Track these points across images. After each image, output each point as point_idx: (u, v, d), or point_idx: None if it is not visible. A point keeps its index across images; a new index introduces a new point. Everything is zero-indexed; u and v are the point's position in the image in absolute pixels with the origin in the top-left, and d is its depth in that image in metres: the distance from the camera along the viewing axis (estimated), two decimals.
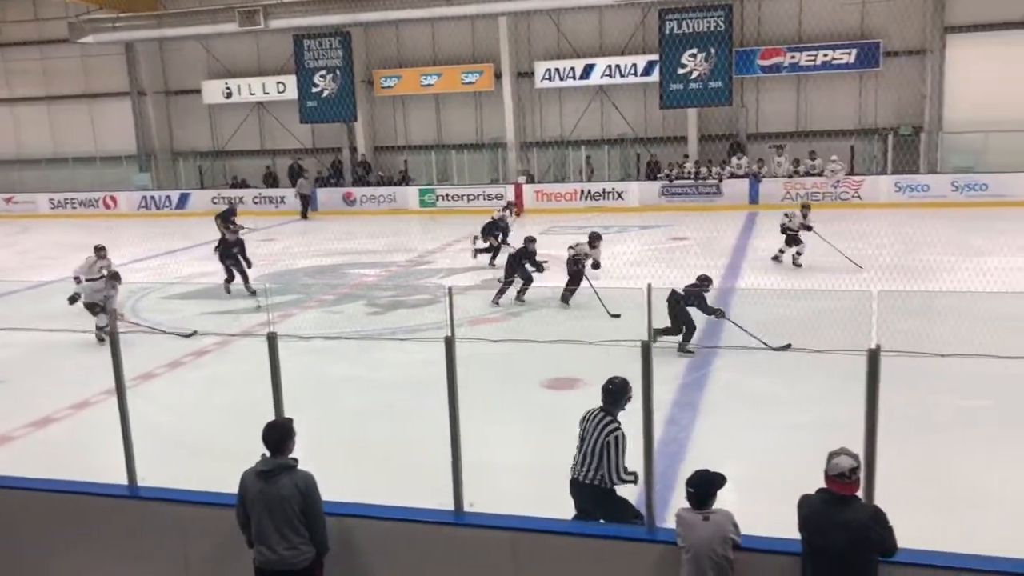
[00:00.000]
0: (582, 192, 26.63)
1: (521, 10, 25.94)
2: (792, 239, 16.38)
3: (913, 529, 4.50)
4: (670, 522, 4.93)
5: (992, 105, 23.91)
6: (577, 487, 5.78)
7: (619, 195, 26.47)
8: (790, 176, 25.13)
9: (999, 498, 6.91)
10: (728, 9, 25.55)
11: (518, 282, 14.38)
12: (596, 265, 13.93)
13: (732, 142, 27.00)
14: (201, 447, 8.52)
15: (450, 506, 5.39)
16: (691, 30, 25.83)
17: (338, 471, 5.77)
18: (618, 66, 27.52)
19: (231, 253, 15.51)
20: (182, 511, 5.73)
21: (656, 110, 27.31)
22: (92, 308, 12.71)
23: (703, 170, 26.06)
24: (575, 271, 13.82)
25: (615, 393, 5.75)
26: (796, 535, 4.50)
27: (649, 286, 5.29)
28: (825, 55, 25.63)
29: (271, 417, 5.28)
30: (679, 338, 11.03)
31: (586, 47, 28.00)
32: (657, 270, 16.28)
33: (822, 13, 25.53)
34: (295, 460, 4.90)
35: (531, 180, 28.11)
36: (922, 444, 7.89)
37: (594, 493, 5.69)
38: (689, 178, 26.01)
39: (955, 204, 23.08)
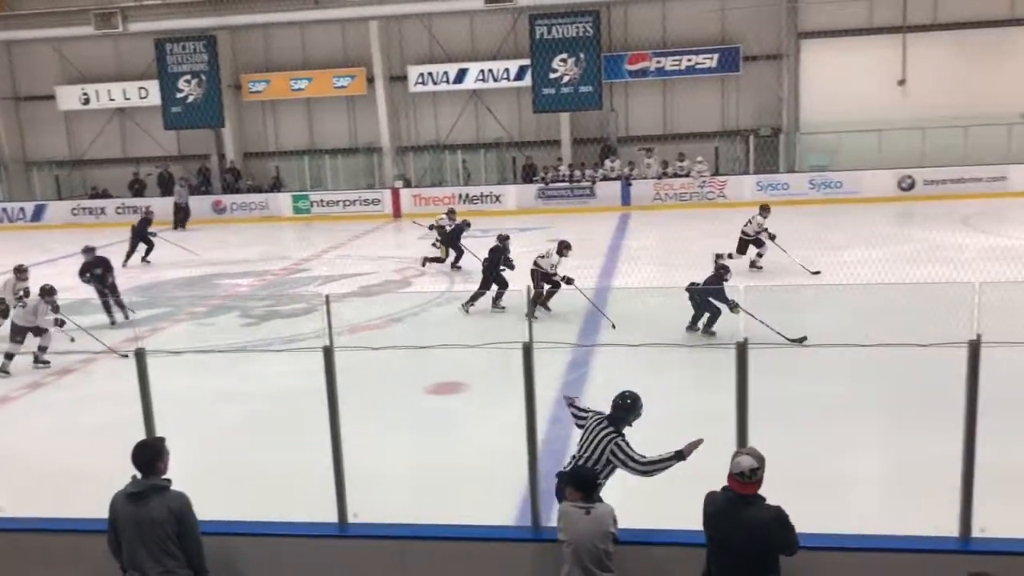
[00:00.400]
0: (460, 196, 26.69)
1: (390, 15, 25.83)
2: (746, 244, 15.85)
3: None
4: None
5: (844, 107, 25.35)
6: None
7: (497, 198, 26.67)
8: (660, 177, 25.92)
9: (858, 479, 7.31)
10: (596, 15, 26.15)
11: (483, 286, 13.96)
12: (568, 281, 13.17)
13: (604, 145, 27.63)
14: (67, 473, 8.07)
15: (334, 518, 5.30)
16: (561, 35, 26.31)
17: (216, 490, 5.58)
18: (491, 71, 27.73)
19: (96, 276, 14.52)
20: (47, 541, 5.42)
21: (530, 114, 27.68)
22: (20, 333, 11.51)
23: (577, 173, 26.56)
24: (549, 279, 13.24)
25: (627, 409, 5.66)
26: (679, 526, 4.63)
27: (528, 287, 5.36)
28: (689, 60, 26.57)
29: (142, 437, 5.06)
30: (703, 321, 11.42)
31: (459, 52, 28.08)
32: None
33: (684, 20, 26.47)
34: (168, 481, 4.71)
35: (408, 184, 27.97)
36: (786, 431, 8.26)
37: None
38: (564, 181, 26.46)
39: (813, 201, 24.33)
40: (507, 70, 27.59)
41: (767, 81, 26.57)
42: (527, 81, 27.10)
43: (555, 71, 26.57)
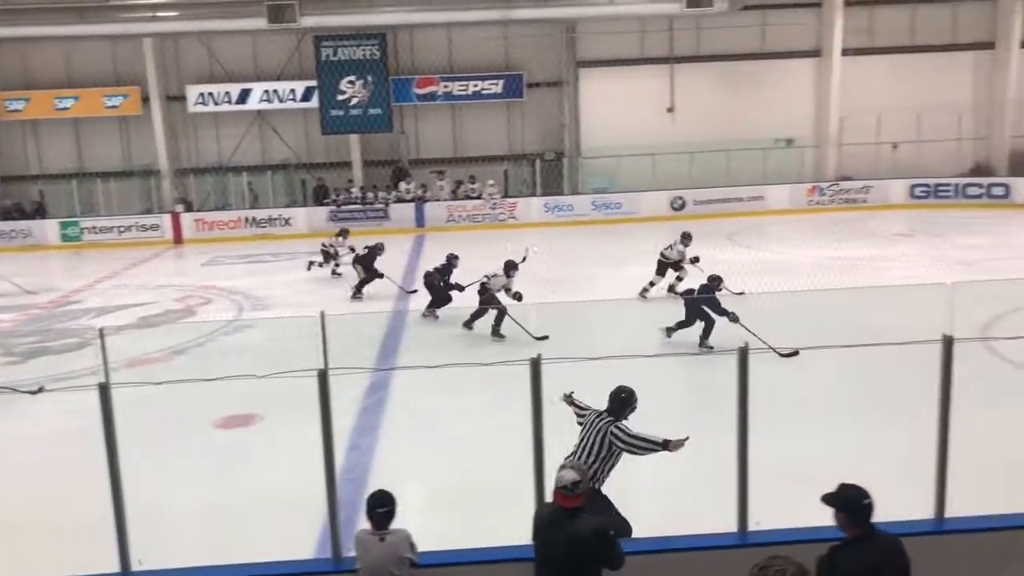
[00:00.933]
0: (247, 219, 25.74)
1: (165, 32, 24.57)
2: (664, 267, 15.40)
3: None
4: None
5: (621, 132, 26.83)
6: None
7: (287, 221, 25.96)
8: (452, 200, 26.27)
9: (640, 488, 7.70)
10: (382, 38, 26.19)
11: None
12: (518, 297, 13.02)
13: (395, 167, 27.65)
14: None
15: (116, 567, 4.93)
16: (347, 57, 26.13)
17: None
18: (276, 91, 27.04)
19: None
20: None
21: (318, 136, 27.23)
22: None
23: (370, 195, 26.39)
24: (485, 297, 13.17)
25: (624, 401, 6.04)
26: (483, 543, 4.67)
27: (322, 313, 5.25)
28: (476, 85, 27.18)
29: None
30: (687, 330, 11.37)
31: (241, 71, 27.17)
32: (331, 294, 16.18)
33: (470, 46, 27.08)
34: None
35: (189, 208, 26.64)
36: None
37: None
38: (357, 203, 26.20)
39: (596, 221, 25.54)
40: (293, 91, 27.02)
41: (550, 107, 27.68)
42: (314, 102, 26.66)
43: (343, 93, 26.33)
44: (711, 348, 11.19)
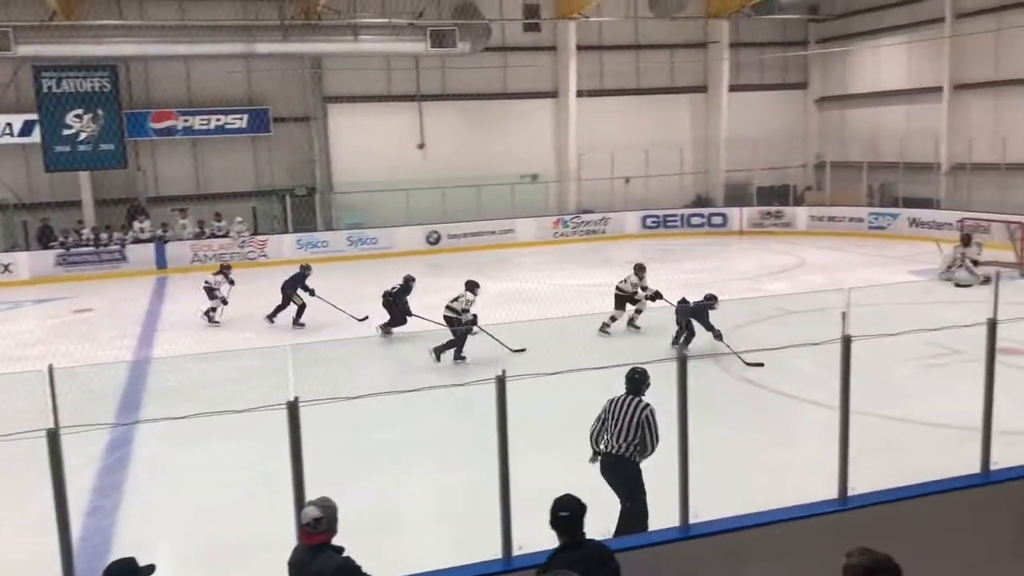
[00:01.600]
0: None
1: None
2: (622, 301, 14.91)
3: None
4: None
5: (373, 167, 26.86)
6: (612, 461, 6.84)
7: (6, 268, 23.45)
8: (197, 238, 24.99)
9: (444, 518, 7.70)
10: (112, 70, 24.57)
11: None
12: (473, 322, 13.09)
13: (132, 206, 25.88)
14: None
15: None
16: (73, 89, 24.24)
17: None
18: None
19: None
20: None
21: (42, 173, 24.92)
22: None
23: (104, 236, 24.49)
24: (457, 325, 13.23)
25: (638, 381, 6.97)
26: None
27: (51, 367, 4.78)
28: (218, 119, 26.15)
29: None
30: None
31: None
32: (62, 347, 14.77)
33: (210, 79, 26.03)
34: None
35: None
36: (357, 481, 8.42)
37: (626, 467, 6.81)
38: (89, 245, 24.20)
39: (351, 257, 25.32)
40: (9, 125, 24.57)
41: (299, 142, 27.19)
42: (36, 137, 24.42)
43: (70, 127, 24.35)
44: (687, 353, 11.76)
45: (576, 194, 29.27)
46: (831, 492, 6.00)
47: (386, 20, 25.65)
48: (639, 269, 15.28)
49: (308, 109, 27.17)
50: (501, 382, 5.27)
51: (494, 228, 27.10)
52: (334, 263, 24.37)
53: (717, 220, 28.27)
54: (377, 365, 12.57)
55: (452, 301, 13.72)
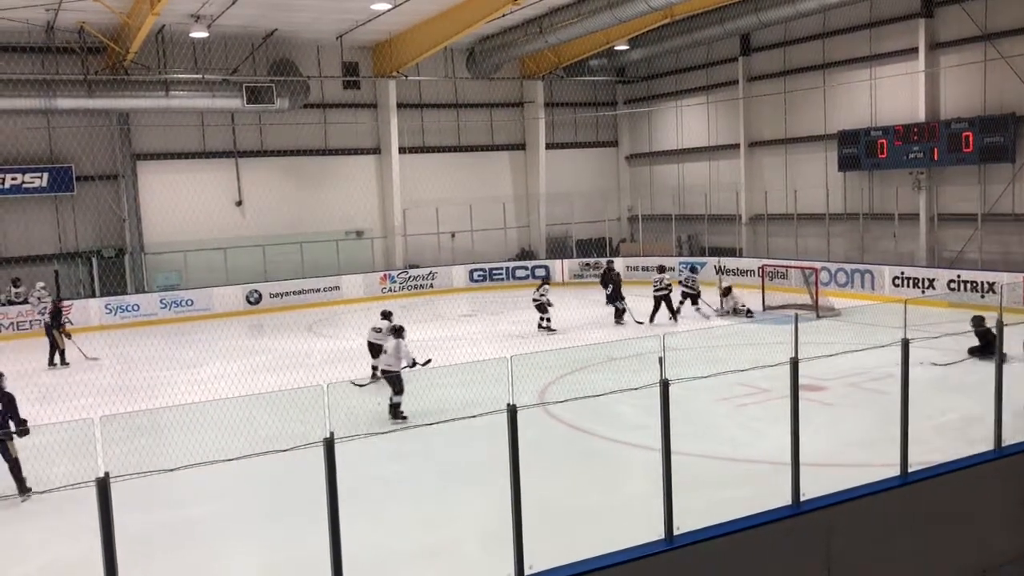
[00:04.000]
0: None
1: None
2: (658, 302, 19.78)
3: None
4: None
5: (188, 226, 25.78)
6: None
7: None
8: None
9: None
10: None
11: None
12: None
13: None
14: None
15: None
16: None
17: None
18: None
19: None
20: None
21: None
22: None
23: None
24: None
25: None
26: None
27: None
28: (15, 178, 24.33)
29: None
30: None
31: None
32: None
33: (7, 136, 24.28)
34: None
35: None
36: (165, 560, 7.90)
37: None
38: None
39: (166, 320, 24.04)
40: None
41: (106, 201, 25.72)
42: None
43: None
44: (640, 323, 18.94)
45: (403, 249, 29.27)
46: (659, 532, 6.20)
47: (199, 76, 24.96)
48: (660, 270, 20.38)
49: (116, 167, 25.81)
50: (329, 444, 5.14)
51: (319, 286, 26.59)
52: (147, 327, 23.09)
53: (541, 272, 29.03)
54: (190, 433, 11.90)
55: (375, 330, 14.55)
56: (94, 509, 4.67)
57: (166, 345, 19.77)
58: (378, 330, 14.76)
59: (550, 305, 19.64)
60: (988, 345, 14.00)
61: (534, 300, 19.86)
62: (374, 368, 14.34)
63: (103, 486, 4.55)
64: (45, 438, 10.32)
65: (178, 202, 25.87)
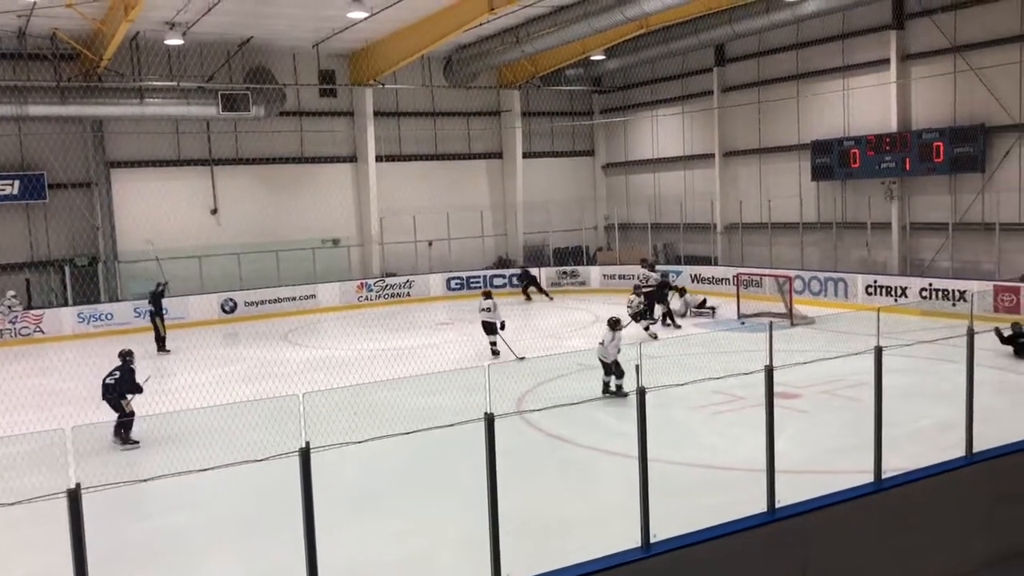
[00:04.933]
0: None
1: None
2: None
3: None
4: None
5: (163, 234, 25.52)
6: None
7: None
8: None
9: None
10: None
11: None
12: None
13: None
14: None
15: None
16: None
17: None
18: None
19: None
20: None
21: None
22: None
23: None
24: None
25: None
26: None
27: None
28: None
29: None
30: None
31: None
32: None
33: None
34: None
35: None
36: (140, 572, 7.81)
37: None
38: None
39: (140, 329, 23.66)
40: None
41: (79, 209, 25.46)
42: None
43: None
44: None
45: (379, 258, 29.19)
46: (636, 540, 6.22)
47: (174, 83, 24.80)
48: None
49: (89, 174, 25.56)
50: (305, 454, 5.12)
51: (295, 294, 26.43)
52: (121, 336, 22.81)
53: (518, 281, 29.07)
54: (162, 445, 11.79)
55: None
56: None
57: (139, 355, 19.53)
58: (486, 309, 17.23)
59: (501, 327, 17.31)
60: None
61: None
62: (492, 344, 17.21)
63: (74, 498, 4.49)
64: (17, 448, 10.21)
65: (152, 210, 25.62)
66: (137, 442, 12.01)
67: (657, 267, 20.96)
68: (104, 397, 12.47)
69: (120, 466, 9.90)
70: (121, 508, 8.92)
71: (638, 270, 22.78)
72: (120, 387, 12.48)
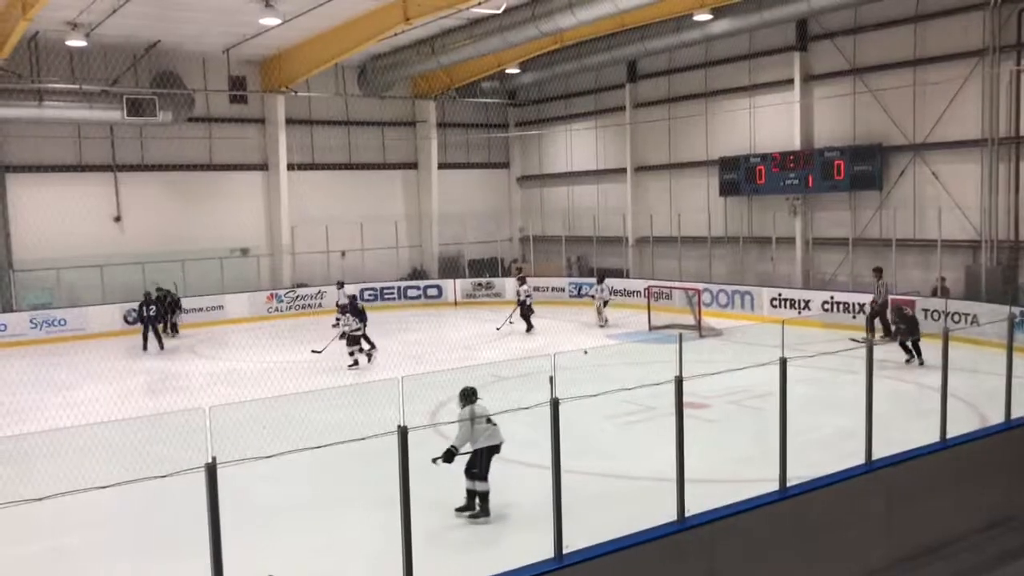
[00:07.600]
0: None
1: None
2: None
3: None
4: None
5: (62, 242, 24.49)
6: None
7: None
8: None
9: None
10: None
11: None
12: None
13: None
14: None
15: None
16: None
17: None
18: None
19: None
20: None
21: None
22: None
23: None
24: None
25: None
26: None
27: None
28: None
29: None
30: None
31: None
32: None
33: None
34: None
35: None
36: None
37: None
38: None
39: (36, 341, 22.79)
40: None
41: None
42: None
43: None
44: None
45: (290, 268, 28.67)
46: (548, 551, 6.24)
47: (76, 86, 23.89)
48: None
49: None
50: (211, 469, 4.97)
51: (202, 305, 25.69)
52: (15, 348, 21.86)
53: (433, 292, 28.93)
54: (60, 460, 11.29)
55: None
56: None
57: (36, 367, 18.71)
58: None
59: (363, 338, 18.21)
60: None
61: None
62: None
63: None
64: None
65: (51, 216, 24.53)
66: None
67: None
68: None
69: (6, 482, 9.43)
70: (16, 528, 8.50)
71: (551, 281, 23.02)
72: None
